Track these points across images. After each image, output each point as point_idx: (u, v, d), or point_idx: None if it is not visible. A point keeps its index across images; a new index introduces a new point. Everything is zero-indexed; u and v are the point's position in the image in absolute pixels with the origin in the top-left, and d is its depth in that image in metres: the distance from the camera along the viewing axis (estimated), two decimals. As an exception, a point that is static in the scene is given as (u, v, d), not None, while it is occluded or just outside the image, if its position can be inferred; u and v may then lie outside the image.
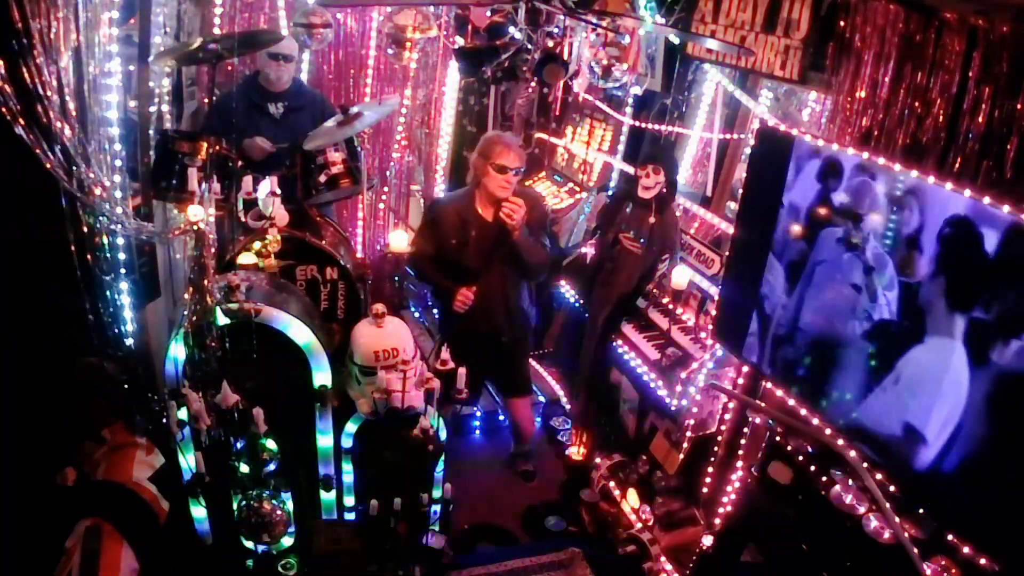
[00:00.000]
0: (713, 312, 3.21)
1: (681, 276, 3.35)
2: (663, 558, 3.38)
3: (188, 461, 2.65)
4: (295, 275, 3.46)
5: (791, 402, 2.67)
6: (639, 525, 3.57)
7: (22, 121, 2.55)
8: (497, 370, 3.96)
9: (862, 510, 2.41)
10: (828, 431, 2.52)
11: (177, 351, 2.57)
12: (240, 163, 3.36)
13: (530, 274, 3.57)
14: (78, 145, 2.74)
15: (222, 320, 2.55)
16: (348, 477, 3.06)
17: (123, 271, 3.19)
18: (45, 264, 3.04)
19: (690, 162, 4.20)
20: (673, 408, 3.38)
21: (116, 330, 3.25)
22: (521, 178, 3.49)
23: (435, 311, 5.33)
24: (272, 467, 2.79)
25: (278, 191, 3.13)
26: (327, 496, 3.05)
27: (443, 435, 2.91)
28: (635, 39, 3.63)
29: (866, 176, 2.26)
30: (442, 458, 2.96)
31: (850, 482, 2.48)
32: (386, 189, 5.07)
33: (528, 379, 4.05)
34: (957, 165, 2.37)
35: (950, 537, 2.16)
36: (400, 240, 3.91)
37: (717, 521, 3.08)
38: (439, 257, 3.55)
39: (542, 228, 3.56)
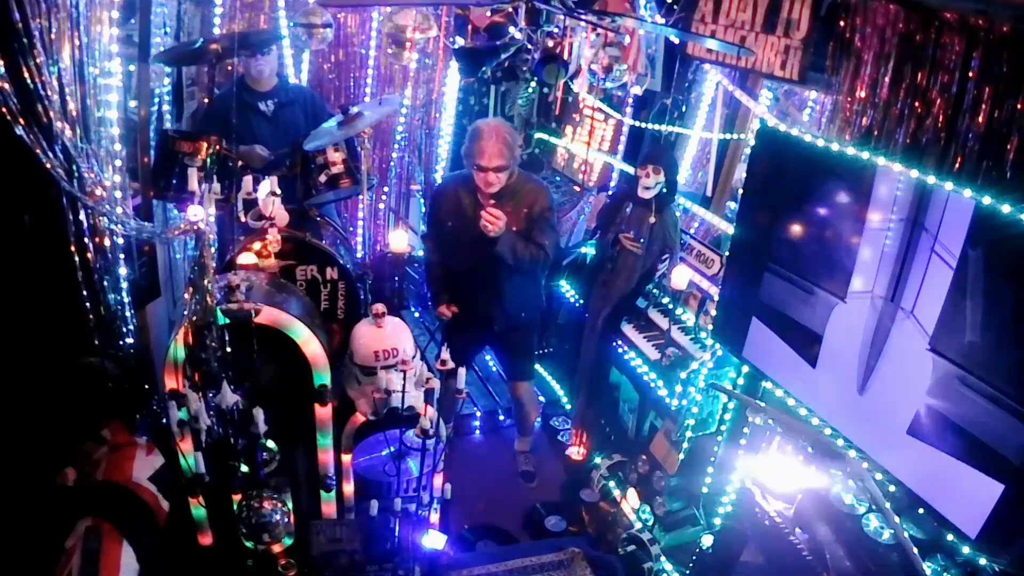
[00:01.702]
0: (713, 312, 3.21)
1: (681, 276, 3.35)
2: (663, 558, 3.38)
3: (188, 461, 2.65)
4: (295, 275, 3.46)
5: (791, 402, 2.67)
6: (639, 525, 3.57)
7: (22, 121, 2.55)
8: (498, 353, 4.04)
9: (862, 510, 2.41)
10: (828, 431, 2.52)
11: (177, 351, 2.57)
12: (240, 163, 3.36)
13: (521, 271, 3.47)
14: (78, 145, 2.74)
15: (222, 320, 2.55)
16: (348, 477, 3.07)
17: (123, 271, 3.19)
18: (45, 264, 3.04)
19: (690, 162, 4.20)
20: (673, 408, 3.38)
21: (116, 330, 3.25)
22: (511, 172, 3.33)
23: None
24: (272, 467, 2.79)
25: (278, 191, 3.13)
26: (327, 496, 3.05)
27: (443, 435, 2.91)
28: (635, 39, 3.63)
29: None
30: (442, 458, 2.96)
31: (850, 482, 2.48)
32: (386, 189, 5.07)
33: (530, 365, 4.01)
34: (957, 165, 2.37)
35: (950, 537, 2.16)
36: (400, 240, 3.91)
37: (717, 521, 3.09)
38: (439, 237, 3.56)
39: (543, 222, 3.43)
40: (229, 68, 4.26)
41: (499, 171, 3.29)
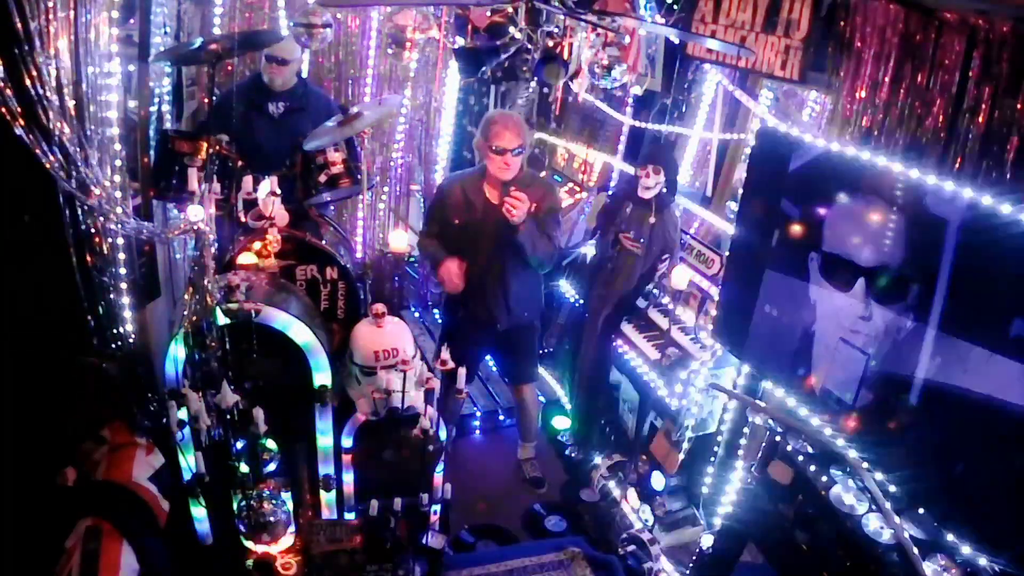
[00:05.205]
0: (713, 312, 3.21)
1: (681, 276, 3.35)
2: (663, 558, 3.38)
3: (188, 461, 2.65)
4: (295, 275, 3.45)
5: (791, 402, 2.67)
6: (639, 525, 3.57)
7: (22, 121, 2.54)
8: (499, 356, 3.99)
9: (862, 510, 2.41)
10: (828, 431, 2.52)
11: (177, 351, 2.57)
12: (240, 163, 3.36)
13: (533, 265, 3.50)
14: (78, 145, 2.74)
15: (222, 320, 2.55)
16: (348, 477, 3.07)
17: (123, 271, 3.19)
18: (45, 264, 3.04)
19: (690, 162, 4.19)
20: (673, 408, 3.38)
21: (116, 330, 3.25)
22: (526, 154, 3.38)
23: (436, 310, 5.36)
24: (272, 467, 2.79)
25: (278, 191, 3.13)
26: (327, 496, 3.05)
27: (443, 435, 2.91)
28: (635, 39, 3.62)
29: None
30: (442, 458, 2.97)
31: (850, 482, 2.48)
32: (386, 189, 5.07)
33: (533, 367, 4.00)
34: (957, 165, 2.37)
35: (950, 537, 2.16)
36: (400, 240, 3.91)
37: (717, 521, 3.08)
38: (443, 236, 3.53)
39: (552, 218, 3.47)
40: (230, 68, 4.26)
41: (517, 153, 3.31)
